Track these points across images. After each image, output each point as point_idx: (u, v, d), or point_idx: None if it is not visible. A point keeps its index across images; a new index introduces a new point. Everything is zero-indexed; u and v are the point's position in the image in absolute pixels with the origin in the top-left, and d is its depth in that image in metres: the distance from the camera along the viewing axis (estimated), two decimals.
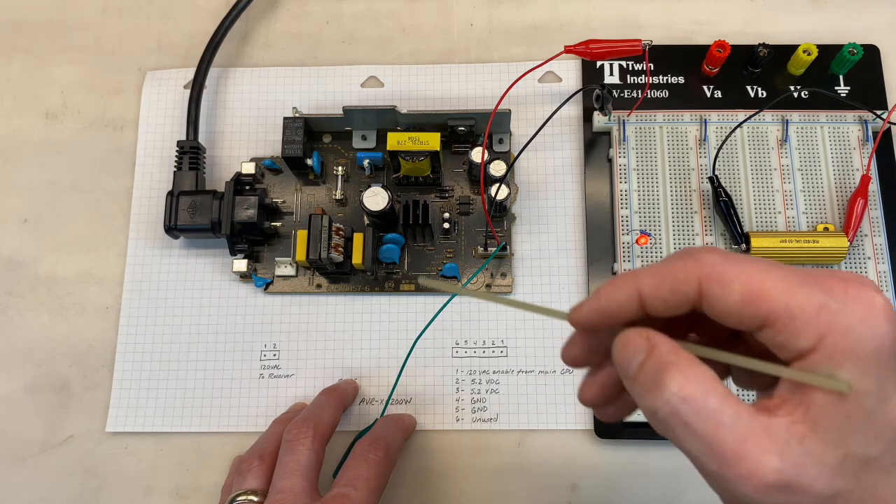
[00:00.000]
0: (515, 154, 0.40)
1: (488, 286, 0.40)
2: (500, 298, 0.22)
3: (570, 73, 0.44)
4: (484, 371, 0.39)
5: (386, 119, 0.41)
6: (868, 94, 0.42)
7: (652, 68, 0.43)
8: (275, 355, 0.40)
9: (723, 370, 0.22)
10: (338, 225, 0.38)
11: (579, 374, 0.39)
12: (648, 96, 0.43)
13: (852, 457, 0.18)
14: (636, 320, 0.21)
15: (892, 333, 0.18)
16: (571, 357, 0.22)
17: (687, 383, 0.18)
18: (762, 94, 0.43)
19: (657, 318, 0.21)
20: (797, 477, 0.18)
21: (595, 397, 0.23)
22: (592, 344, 0.22)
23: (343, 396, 0.37)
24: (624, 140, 0.41)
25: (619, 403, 0.23)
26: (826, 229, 0.39)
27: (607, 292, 0.20)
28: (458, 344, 0.40)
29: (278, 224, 0.41)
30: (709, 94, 0.43)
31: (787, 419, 0.18)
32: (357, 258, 0.38)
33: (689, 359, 0.19)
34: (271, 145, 0.43)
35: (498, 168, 0.39)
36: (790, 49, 0.42)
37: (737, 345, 0.22)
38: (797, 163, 0.41)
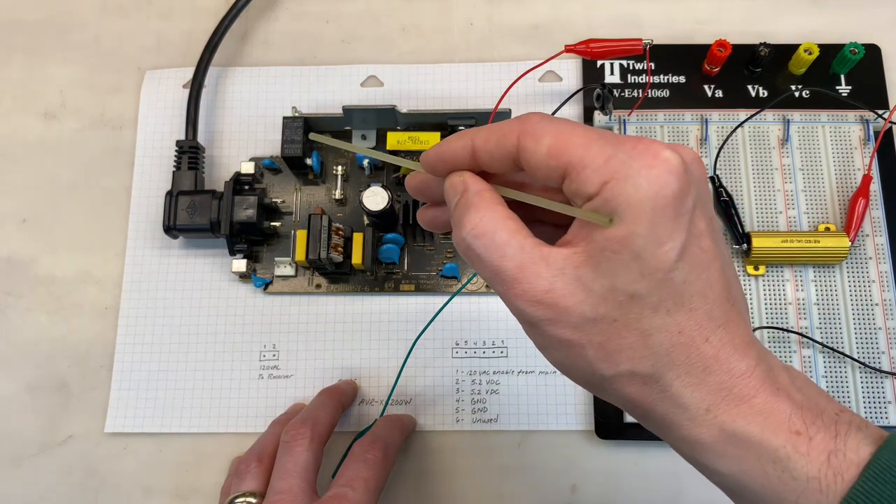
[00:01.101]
0: None
1: (488, 286, 0.40)
2: (358, 148, 0.25)
3: (570, 72, 0.44)
4: (484, 371, 0.39)
5: (386, 119, 0.41)
6: (869, 93, 0.42)
7: (653, 68, 0.43)
8: (274, 356, 0.40)
9: (543, 229, 0.25)
10: (337, 225, 0.38)
11: None
12: (649, 96, 0.43)
13: (619, 289, 0.20)
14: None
15: (675, 185, 0.20)
16: (413, 187, 0.26)
17: (481, 221, 0.21)
18: (763, 93, 0.42)
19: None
20: (563, 297, 0.20)
21: (427, 222, 0.27)
22: (427, 181, 0.25)
23: (342, 397, 0.37)
24: None
25: (439, 223, 0.27)
26: (827, 229, 0.39)
27: (448, 141, 0.23)
28: (458, 344, 0.40)
29: (278, 224, 0.41)
30: (710, 94, 0.43)
31: (568, 250, 0.21)
32: (357, 258, 0.38)
33: (491, 200, 0.22)
34: (271, 145, 0.43)
35: None
36: (791, 48, 0.42)
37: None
38: (798, 162, 0.41)
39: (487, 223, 0.21)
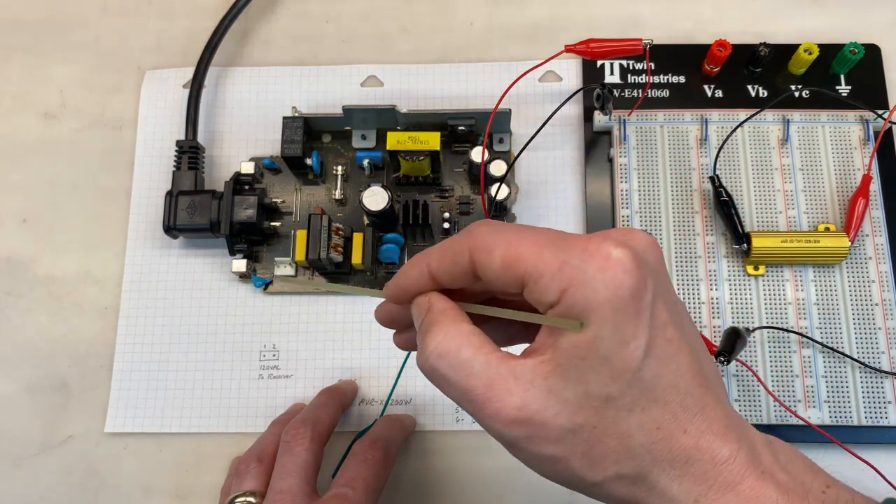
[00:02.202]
0: (515, 154, 0.40)
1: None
2: (320, 284, 0.26)
3: (570, 72, 0.44)
4: None
5: (386, 118, 0.41)
6: (869, 93, 0.42)
7: (652, 68, 0.43)
8: (274, 356, 0.40)
9: (515, 331, 0.25)
10: (337, 225, 0.38)
11: None
12: (649, 96, 0.43)
13: (592, 395, 0.20)
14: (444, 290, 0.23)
15: (630, 283, 0.19)
16: (380, 319, 0.26)
17: (443, 340, 0.21)
18: (763, 93, 0.42)
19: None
20: (537, 413, 0.20)
21: (402, 346, 0.27)
22: (393, 312, 0.25)
23: (342, 397, 0.37)
24: (624, 140, 0.41)
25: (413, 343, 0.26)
26: (827, 229, 0.39)
27: (405, 271, 0.23)
28: None
29: (278, 224, 0.41)
30: (710, 94, 0.43)
31: (535, 360, 0.20)
32: (357, 258, 0.38)
33: (453, 317, 0.22)
34: (270, 145, 0.43)
35: (498, 168, 0.39)
36: (791, 48, 0.42)
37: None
38: (798, 162, 0.41)
39: (450, 340, 0.21)
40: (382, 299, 0.25)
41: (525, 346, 0.22)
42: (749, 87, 0.43)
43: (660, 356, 0.20)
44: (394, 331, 0.26)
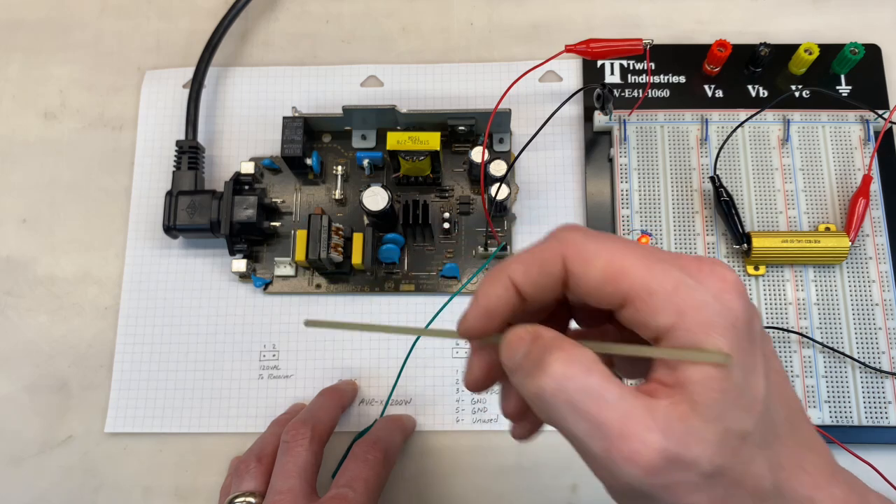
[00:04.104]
0: (516, 154, 0.40)
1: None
2: (395, 328, 0.22)
3: (570, 72, 0.44)
4: None
5: (386, 118, 0.41)
6: (869, 93, 0.42)
7: (653, 68, 0.43)
8: (274, 356, 0.40)
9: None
10: (337, 225, 0.38)
11: None
12: (649, 96, 0.43)
13: (731, 432, 0.18)
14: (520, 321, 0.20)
15: (743, 308, 0.18)
16: (473, 381, 0.22)
17: (570, 363, 0.18)
18: (763, 93, 0.42)
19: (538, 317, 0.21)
20: (681, 454, 0.17)
21: (511, 410, 0.22)
22: (490, 363, 0.21)
23: (342, 397, 0.37)
24: (625, 139, 0.41)
25: (531, 417, 0.22)
26: (827, 229, 0.39)
27: (484, 290, 0.20)
28: (458, 344, 0.40)
29: (278, 224, 0.41)
30: (710, 94, 0.43)
31: (667, 401, 0.18)
32: (357, 258, 0.38)
33: (572, 342, 0.19)
34: (270, 145, 0.43)
35: (498, 168, 0.39)
36: (791, 48, 0.42)
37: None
38: (798, 162, 0.41)
39: (578, 365, 0.18)
40: (456, 341, 0.22)
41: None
42: (749, 87, 0.43)
43: (774, 388, 0.19)
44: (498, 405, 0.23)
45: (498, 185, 0.37)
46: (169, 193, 0.40)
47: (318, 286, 0.40)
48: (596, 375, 0.18)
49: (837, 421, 0.37)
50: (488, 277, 0.20)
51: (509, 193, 0.38)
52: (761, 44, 0.41)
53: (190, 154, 0.41)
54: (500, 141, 0.42)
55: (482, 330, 0.20)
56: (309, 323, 0.22)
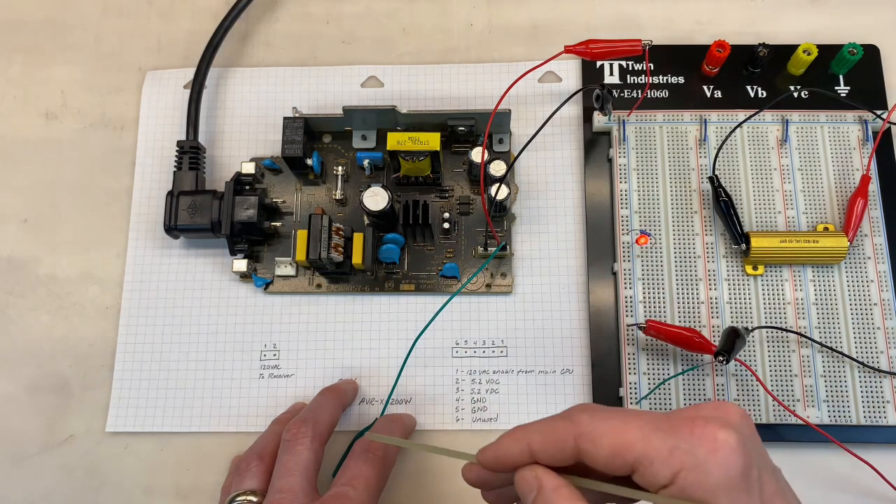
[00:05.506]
0: (515, 154, 0.40)
1: (488, 286, 0.40)
2: (415, 445, 0.26)
3: (570, 72, 0.44)
4: (484, 371, 0.39)
5: (386, 119, 0.41)
6: (868, 93, 0.42)
7: (652, 68, 0.43)
8: (275, 355, 0.40)
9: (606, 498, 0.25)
10: (338, 225, 0.38)
11: (579, 374, 0.39)
12: (648, 96, 0.43)
13: None
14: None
15: (740, 463, 0.21)
16: (471, 480, 0.26)
17: None
18: (762, 93, 0.43)
19: None
20: None
21: (492, 500, 0.27)
22: (488, 476, 0.25)
23: (343, 396, 0.37)
24: (624, 140, 0.41)
25: (505, 500, 0.27)
26: (826, 229, 0.39)
27: (504, 444, 0.24)
28: (458, 344, 0.40)
29: (278, 224, 0.41)
30: (709, 94, 0.43)
31: None
32: (357, 258, 0.38)
33: (569, 497, 0.22)
34: (271, 145, 0.43)
35: (498, 168, 0.39)
36: (790, 49, 0.42)
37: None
38: (797, 163, 0.41)
39: None
40: (467, 461, 0.25)
41: None
42: (748, 87, 0.43)
43: None
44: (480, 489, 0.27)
45: (498, 185, 0.37)
46: (170, 193, 0.40)
47: (319, 286, 0.41)
48: None
49: (836, 420, 0.37)
50: (510, 436, 0.24)
51: (509, 193, 0.38)
52: (760, 44, 0.41)
53: (191, 154, 0.41)
54: (500, 141, 0.42)
55: (494, 468, 0.24)
56: (370, 437, 0.28)
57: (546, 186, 0.42)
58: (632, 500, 0.23)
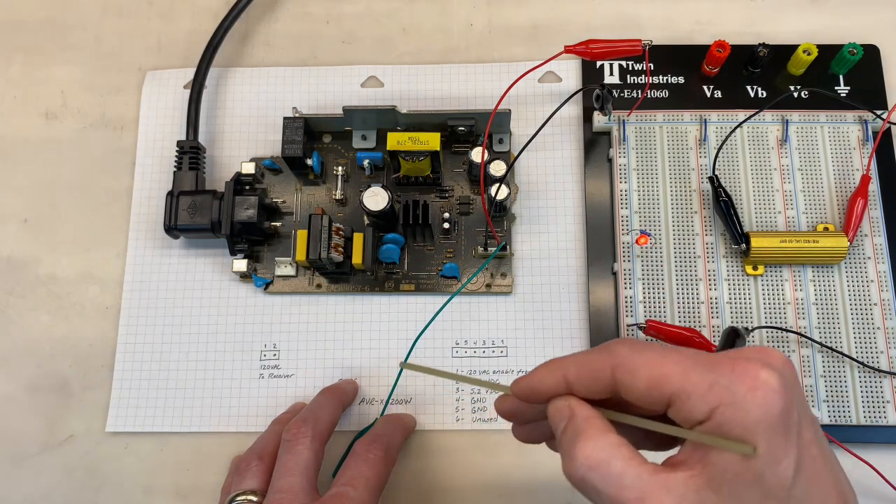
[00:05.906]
0: (515, 154, 0.40)
1: (488, 286, 0.40)
2: (450, 374, 0.26)
3: (570, 73, 0.44)
4: (484, 371, 0.39)
5: (386, 119, 0.41)
6: (868, 93, 0.42)
7: (652, 68, 0.43)
8: (275, 355, 0.40)
9: (644, 433, 0.25)
10: (338, 225, 0.38)
11: None
12: (648, 96, 0.43)
13: None
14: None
15: (780, 404, 0.20)
16: (504, 411, 0.26)
17: (594, 451, 0.21)
18: (762, 94, 0.43)
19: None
20: None
21: (524, 439, 0.27)
22: (521, 407, 0.26)
23: (343, 396, 0.37)
24: (624, 140, 0.41)
25: (536, 435, 0.27)
26: (826, 229, 0.39)
27: (539, 375, 0.24)
28: (458, 344, 0.40)
29: (278, 224, 0.41)
30: (709, 94, 0.43)
31: (686, 473, 0.21)
32: (357, 258, 0.38)
33: (600, 427, 0.22)
34: (271, 145, 0.43)
35: (498, 168, 0.39)
36: (790, 49, 0.42)
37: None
38: (797, 163, 0.41)
39: (601, 452, 0.21)
40: (502, 392, 0.25)
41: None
42: (748, 87, 0.43)
43: (808, 474, 0.21)
44: (511, 423, 0.27)
45: (498, 185, 0.37)
46: (170, 194, 0.40)
47: (319, 286, 0.41)
48: (617, 461, 0.21)
49: (836, 420, 0.37)
50: (546, 367, 0.23)
51: (509, 193, 0.38)
52: (760, 44, 0.41)
53: (191, 154, 0.41)
54: (500, 141, 0.42)
55: (527, 399, 0.24)
56: (405, 366, 0.27)
57: (546, 186, 0.42)
58: (666, 438, 0.22)
